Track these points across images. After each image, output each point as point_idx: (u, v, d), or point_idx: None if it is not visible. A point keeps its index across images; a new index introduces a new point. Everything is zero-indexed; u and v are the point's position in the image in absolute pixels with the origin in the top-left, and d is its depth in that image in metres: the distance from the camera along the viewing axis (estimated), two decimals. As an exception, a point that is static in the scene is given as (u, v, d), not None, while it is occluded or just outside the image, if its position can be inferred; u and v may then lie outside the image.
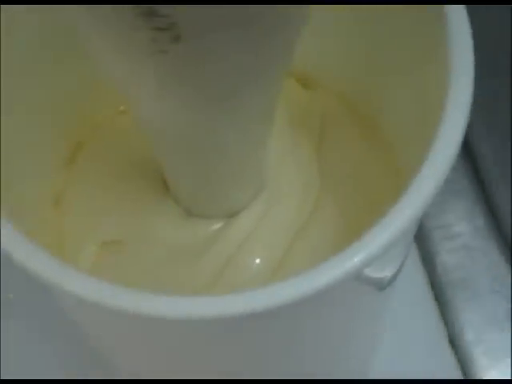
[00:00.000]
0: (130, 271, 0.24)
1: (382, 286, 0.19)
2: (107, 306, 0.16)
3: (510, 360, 0.32)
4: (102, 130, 0.27)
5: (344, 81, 0.26)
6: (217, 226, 0.25)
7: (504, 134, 0.34)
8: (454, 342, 0.32)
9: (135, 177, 0.26)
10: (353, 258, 0.16)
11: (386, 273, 0.19)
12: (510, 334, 0.32)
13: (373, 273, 0.18)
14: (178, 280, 0.24)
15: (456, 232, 0.34)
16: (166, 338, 0.20)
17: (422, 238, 0.34)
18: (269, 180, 0.25)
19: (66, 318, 0.22)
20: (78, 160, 0.26)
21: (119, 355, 0.25)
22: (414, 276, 0.33)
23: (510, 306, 0.33)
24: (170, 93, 0.17)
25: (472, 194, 0.34)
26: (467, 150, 0.34)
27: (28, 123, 0.23)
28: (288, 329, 0.19)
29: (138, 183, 0.26)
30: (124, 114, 0.27)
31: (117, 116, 0.27)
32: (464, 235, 0.34)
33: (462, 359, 0.32)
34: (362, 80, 0.25)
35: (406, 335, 0.32)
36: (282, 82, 0.19)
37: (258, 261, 0.24)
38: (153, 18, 0.14)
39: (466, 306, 0.33)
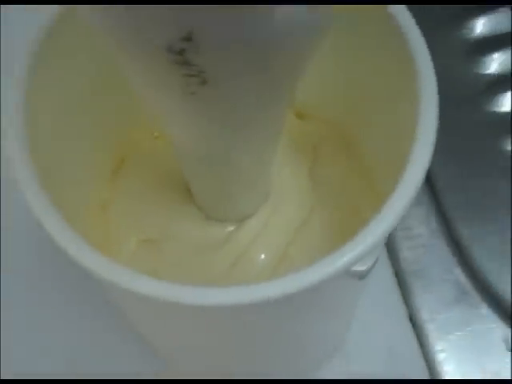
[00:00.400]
0: (161, 263, 0.24)
1: (362, 276, 0.19)
2: (141, 293, 0.15)
3: (455, 334, 0.31)
4: (140, 151, 0.26)
5: (333, 114, 0.26)
6: (230, 228, 0.24)
7: (452, 154, 0.34)
8: (412, 320, 0.32)
9: (166, 187, 0.25)
10: (343, 258, 0.15)
11: (366, 266, 0.18)
12: (456, 314, 0.32)
13: (356, 267, 0.17)
14: (199, 271, 0.24)
15: (415, 233, 0.33)
16: (184, 319, 0.19)
17: (388, 237, 0.33)
18: (272, 193, 0.25)
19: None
20: (121, 173, 0.26)
21: (148, 328, 0.24)
22: (382, 267, 0.32)
23: (456, 292, 0.32)
24: (195, 123, 0.17)
25: (428, 204, 0.34)
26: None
27: (81, 144, 0.22)
28: (287, 313, 0.18)
29: (168, 193, 0.25)
30: (157, 139, 0.27)
31: (152, 140, 0.27)
32: (421, 236, 0.33)
33: (418, 333, 0.31)
34: (347, 114, 0.25)
35: (374, 314, 0.31)
36: (286, 113, 0.18)
37: (262, 257, 0.24)
38: (186, 66, 0.13)
39: (422, 292, 0.32)
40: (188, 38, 0.12)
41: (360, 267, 0.18)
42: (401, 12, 0.18)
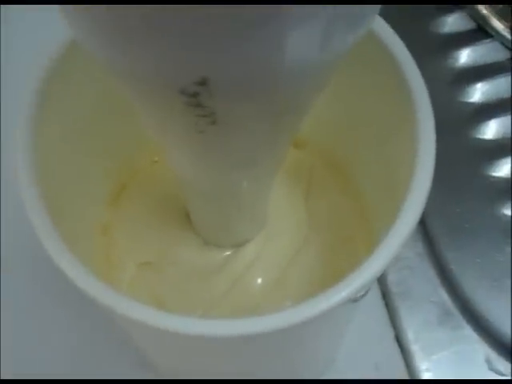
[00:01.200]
0: (160, 286, 0.24)
1: (357, 299, 0.19)
2: (139, 321, 0.16)
3: (439, 354, 0.31)
4: (140, 176, 0.26)
5: (327, 144, 0.26)
6: (227, 253, 0.24)
7: (437, 180, 0.34)
8: (399, 340, 0.32)
9: (165, 212, 0.25)
10: (341, 293, 0.16)
11: (361, 293, 0.19)
12: (440, 334, 0.32)
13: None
14: (196, 294, 0.24)
15: (402, 256, 0.34)
16: (175, 343, 0.19)
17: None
18: (269, 220, 0.25)
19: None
20: (122, 198, 0.26)
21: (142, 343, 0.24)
22: (371, 289, 0.32)
23: (440, 313, 0.32)
24: (201, 158, 0.17)
25: (415, 230, 0.34)
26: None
27: (83, 169, 0.22)
28: (284, 341, 0.19)
29: (167, 218, 0.25)
30: (157, 163, 0.27)
31: (152, 165, 0.27)
32: (407, 258, 0.34)
33: (404, 353, 0.31)
34: (341, 145, 0.25)
35: (363, 333, 0.31)
36: (288, 148, 0.19)
37: (259, 281, 0.24)
38: (198, 108, 0.13)
39: (408, 313, 0.32)
40: (202, 83, 0.12)
41: (358, 294, 0.18)
42: (397, 45, 0.19)
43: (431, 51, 0.38)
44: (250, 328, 0.15)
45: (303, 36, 0.11)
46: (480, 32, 0.39)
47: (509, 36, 0.38)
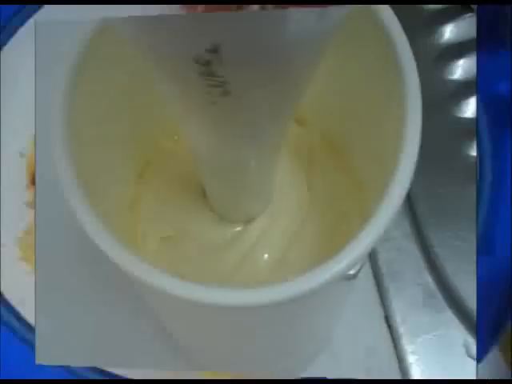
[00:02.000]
0: (179, 259, 0.28)
1: (351, 277, 0.21)
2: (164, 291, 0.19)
3: (424, 337, 0.37)
4: (163, 154, 0.30)
5: (325, 121, 0.29)
6: (238, 228, 0.28)
7: (422, 160, 0.38)
8: (388, 322, 0.36)
9: (185, 190, 0.29)
10: (338, 264, 0.19)
11: (355, 270, 0.21)
12: (425, 317, 0.37)
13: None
14: (210, 268, 0.28)
15: (391, 236, 0.38)
16: (197, 316, 0.23)
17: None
18: (274, 197, 0.28)
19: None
20: (146, 176, 0.30)
21: (167, 319, 0.28)
22: (362, 269, 0.33)
23: (424, 296, 0.38)
24: (214, 131, 0.20)
25: (402, 210, 0.38)
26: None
27: (112, 151, 0.26)
28: (288, 315, 0.22)
29: (186, 195, 0.29)
30: (178, 142, 0.30)
31: (173, 143, 0.30)
32: (396, 239, 0.38)
33: (393, 335, 0.37)
34: (337, 122, 0.28)
35: (354, 315, 0.36)
36: (291, 122, 0.21)
37: (266, 256, 0.28)
38: (210, 77, 0.15)
39: (397, 294, 0.37)
40: (213, 50, 0.14)
41: (351, 271, 0.21)
42: (393, 25, 0.21)
43: (414, 28, 0.39)
44: (244, 299, 0.18)
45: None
46: (462, 6, 0.42)
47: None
